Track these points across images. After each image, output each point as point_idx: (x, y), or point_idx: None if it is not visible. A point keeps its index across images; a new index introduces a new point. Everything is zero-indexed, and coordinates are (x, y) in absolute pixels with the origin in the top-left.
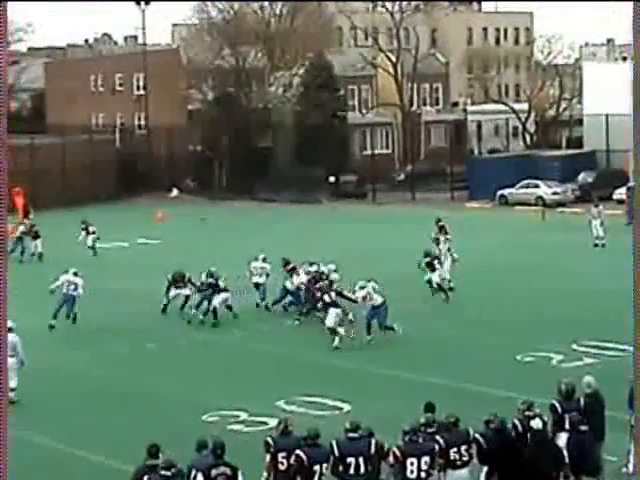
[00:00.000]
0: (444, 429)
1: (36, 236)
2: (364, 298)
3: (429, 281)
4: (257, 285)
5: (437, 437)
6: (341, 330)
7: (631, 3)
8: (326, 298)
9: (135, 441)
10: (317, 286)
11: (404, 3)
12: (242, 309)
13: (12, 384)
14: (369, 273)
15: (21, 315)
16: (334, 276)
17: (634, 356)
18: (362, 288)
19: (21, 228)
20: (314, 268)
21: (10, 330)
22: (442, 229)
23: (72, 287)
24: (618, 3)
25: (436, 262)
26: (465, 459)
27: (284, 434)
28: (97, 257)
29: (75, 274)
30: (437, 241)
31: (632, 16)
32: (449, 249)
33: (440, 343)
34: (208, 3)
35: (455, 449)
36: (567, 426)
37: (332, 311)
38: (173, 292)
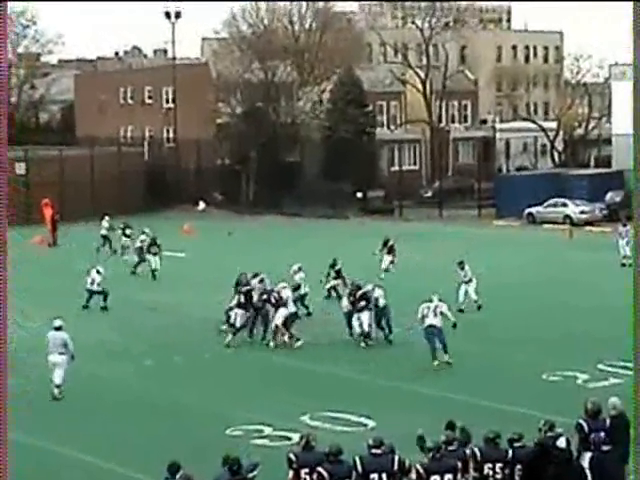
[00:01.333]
0: (483, 442)
1: (157, 252)
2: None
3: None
4: (305, 295)
5: (474, 448)
6: (230, 334)
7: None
8: (241, 299)
9: (158, 454)
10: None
11: (434, 20)
12: None
13: (58, 380)
14: (394, 289)
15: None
16: (286, 293)
17: (634, 355)
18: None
19: (142, 237)
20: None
21: (60, 328)
22: (391, 249)
23: (89, 281)
24: None
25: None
26: (498, 477)
27: (306, 449)
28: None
29: (97, 272)
30: (461, 265)
31: (632, 16)
32: (391, 265)
33: (466, 360)
34: (238, 17)
35: (490, 464)
36: (593, 446)
37: (239, 311)
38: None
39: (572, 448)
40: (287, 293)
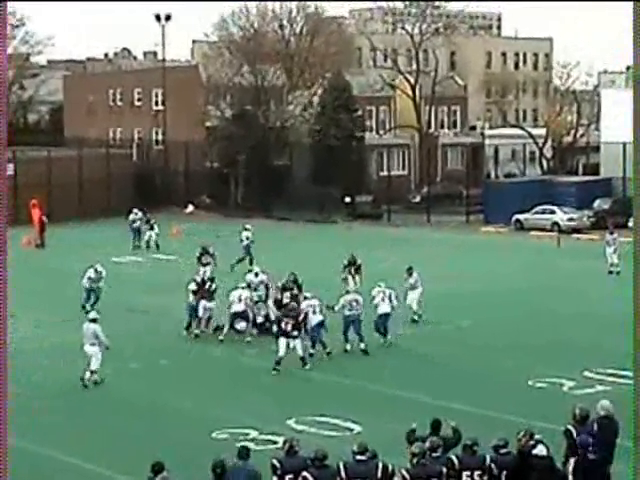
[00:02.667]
0: (461, 450)
1: (208, 262)
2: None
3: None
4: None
5: (452, 456)
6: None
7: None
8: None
9: (144, 457)
10: None
11: (424, 26)
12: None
13: (94, 367)
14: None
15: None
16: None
17: (634, 353)
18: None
19: (245, 233)
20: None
21: (94, 321)
22: (358, 270)
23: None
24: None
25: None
26: None
27: (290, 454)
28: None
29: (96, 270)
30: (410, 271)
31: (632, 16)
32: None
33: (452, 366)
34: (228, 20)
35: (468, 472)
36: (579, 451)
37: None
38: None
39: (552, 455)
40: (238, 293)
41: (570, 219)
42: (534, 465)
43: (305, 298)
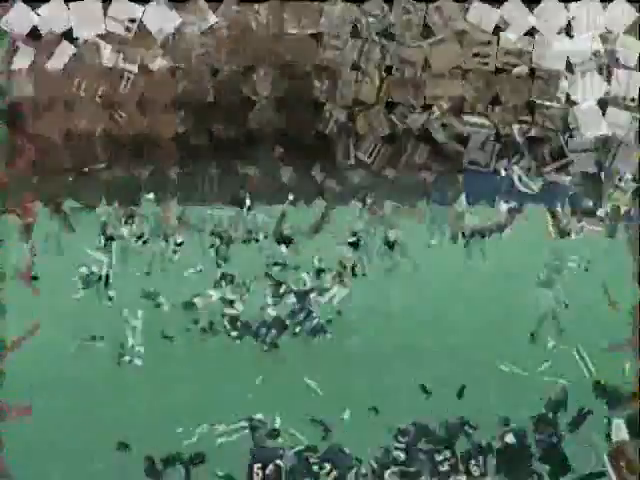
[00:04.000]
0: None
1: None
2: None
3: None
4: None
5: None
6: None
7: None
8: None
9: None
10: None
11: None
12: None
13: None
14: None
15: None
16: None
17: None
18: None
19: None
20: None
21: None
22: None
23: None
24: None
25: None
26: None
27: (260, 444)
28: None
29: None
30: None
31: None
32: None
33: (421, 356)
34: None
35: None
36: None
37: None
38: None
39: (523, 442)
40: None
41: None
42: (504, 452)
43: None
